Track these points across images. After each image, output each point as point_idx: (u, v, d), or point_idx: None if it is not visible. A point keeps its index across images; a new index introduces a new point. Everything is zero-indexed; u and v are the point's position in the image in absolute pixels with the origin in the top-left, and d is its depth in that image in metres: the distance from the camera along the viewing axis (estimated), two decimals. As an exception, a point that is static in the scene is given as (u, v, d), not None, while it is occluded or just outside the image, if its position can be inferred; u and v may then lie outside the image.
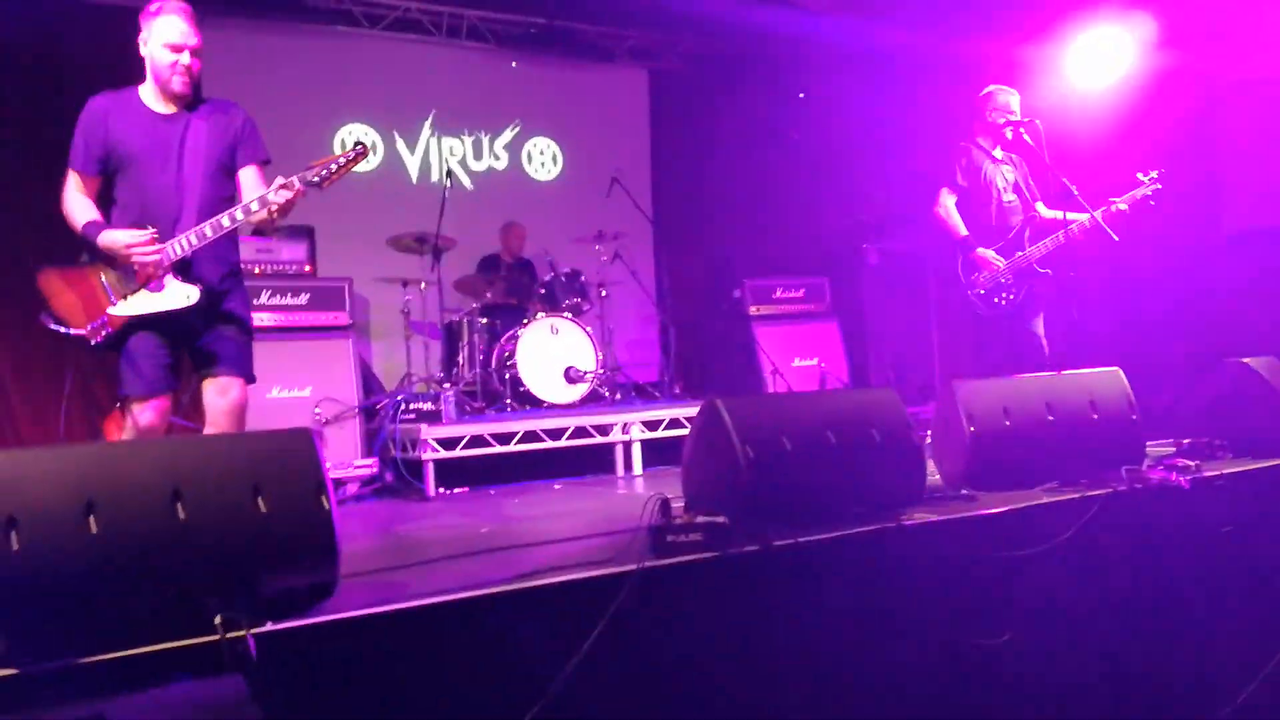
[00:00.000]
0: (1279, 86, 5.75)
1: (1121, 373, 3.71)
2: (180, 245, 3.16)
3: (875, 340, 7.46)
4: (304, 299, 5.56)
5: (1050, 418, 3.52)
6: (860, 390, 4.64)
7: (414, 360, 6.50)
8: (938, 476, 3.56)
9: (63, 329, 3.13)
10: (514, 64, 7.96)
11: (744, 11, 7.20)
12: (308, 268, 5.87)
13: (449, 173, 6.69)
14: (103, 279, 3.16)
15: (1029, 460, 3.46)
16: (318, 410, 5.40)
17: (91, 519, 1.98)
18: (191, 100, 3.30)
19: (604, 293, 6.83)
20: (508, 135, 8.05)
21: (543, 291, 6.59)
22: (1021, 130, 4.77)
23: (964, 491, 3.34)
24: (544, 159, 8.21)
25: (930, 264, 7.36)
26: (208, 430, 3.31)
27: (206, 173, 3.26)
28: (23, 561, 1.89)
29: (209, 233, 3.16)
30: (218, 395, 3.25)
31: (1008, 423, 3.48)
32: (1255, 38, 5.69)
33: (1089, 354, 5.10)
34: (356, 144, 3.33)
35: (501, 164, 8.05)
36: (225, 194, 3.32)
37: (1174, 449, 4.08)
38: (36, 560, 1.90)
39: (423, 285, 6.45)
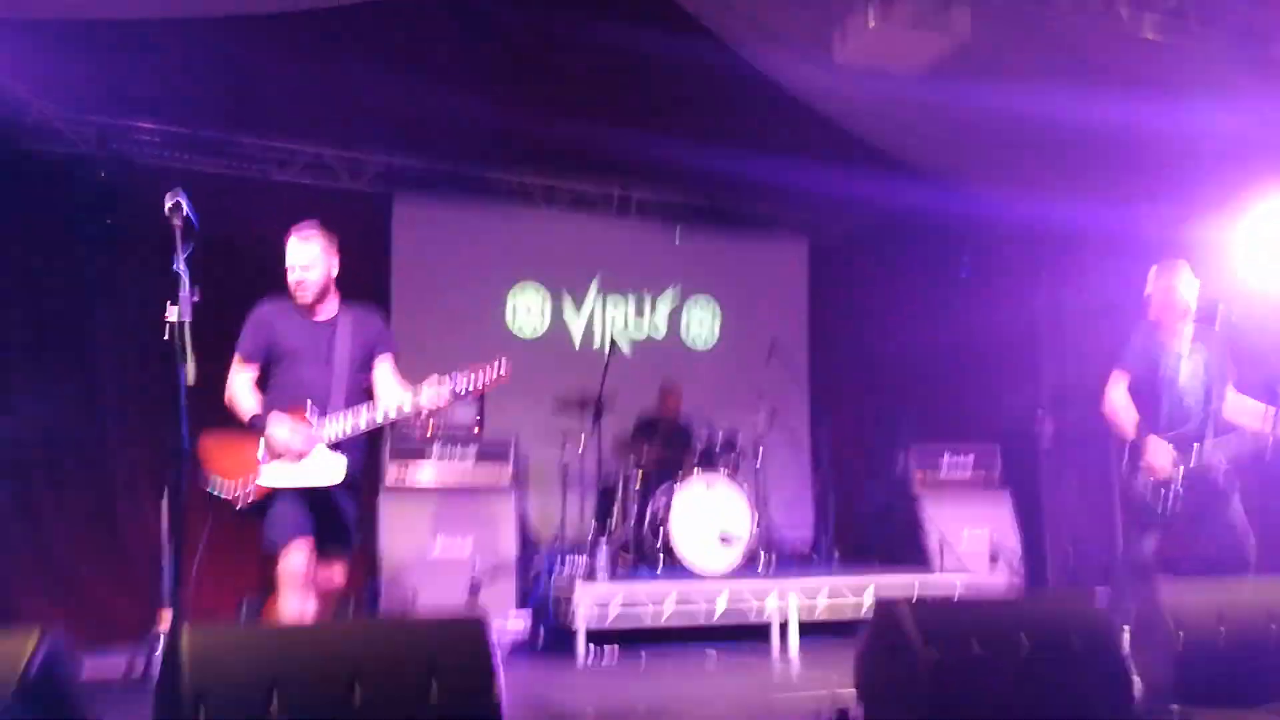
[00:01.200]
0: None
1: (1357, 581, 3.30)
2: (337, 425, 3.52)
3: (1051, 515, 6.98)
4: (472, 457, 5.73)
5: (1273, 627, 3.15)
6: (1056, 591, 4.32)
7: (569, 516, 6.53)
8: (1139, 683, 3.21)
9: (213, 490, 3.45)
10: (678, 231, 8.19)
11: (901, 188, 7.24)
12: (476, 429, 6.07)
13: (612, 339, 6.85)
14: (254, 446, 3.49)
15: (1248, 675, 3.10)
16: (475, 564, 5.46)
17: (274, 697, 2.00)
18: (339, 302, 3.76)
19: (760, 451, 6.72)
20: (669, 298, 8.22)
21: (700, 450, 6.55)
22: (1216, 312, 4.46)
23: (1174, 708, 3.00)
24: (702, 325, 8.31)
25: (1112, 439, 6.91)
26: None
27: (352, 368, 3.68)
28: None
29: (365, 417, 3.54)
30: (323, 571, 3.56)
31: (1222, 629, 3.13)
32: None
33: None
34: (503, 363, 3.63)
35: (660, 333, 8.19)
36: (365, 385, 3.74)
37: None
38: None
39: (582, 440, 6.52)
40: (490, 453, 5.81)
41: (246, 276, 6.05)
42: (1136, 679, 3.09)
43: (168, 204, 2.85)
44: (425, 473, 5.66)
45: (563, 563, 5.65)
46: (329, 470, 3.50)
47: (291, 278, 3.68)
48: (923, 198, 7.33)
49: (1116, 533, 6.87)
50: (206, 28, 5.68)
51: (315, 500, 3.52)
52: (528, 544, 6.13)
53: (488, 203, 7.63)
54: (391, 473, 5.60)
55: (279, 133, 6.86)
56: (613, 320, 8.01)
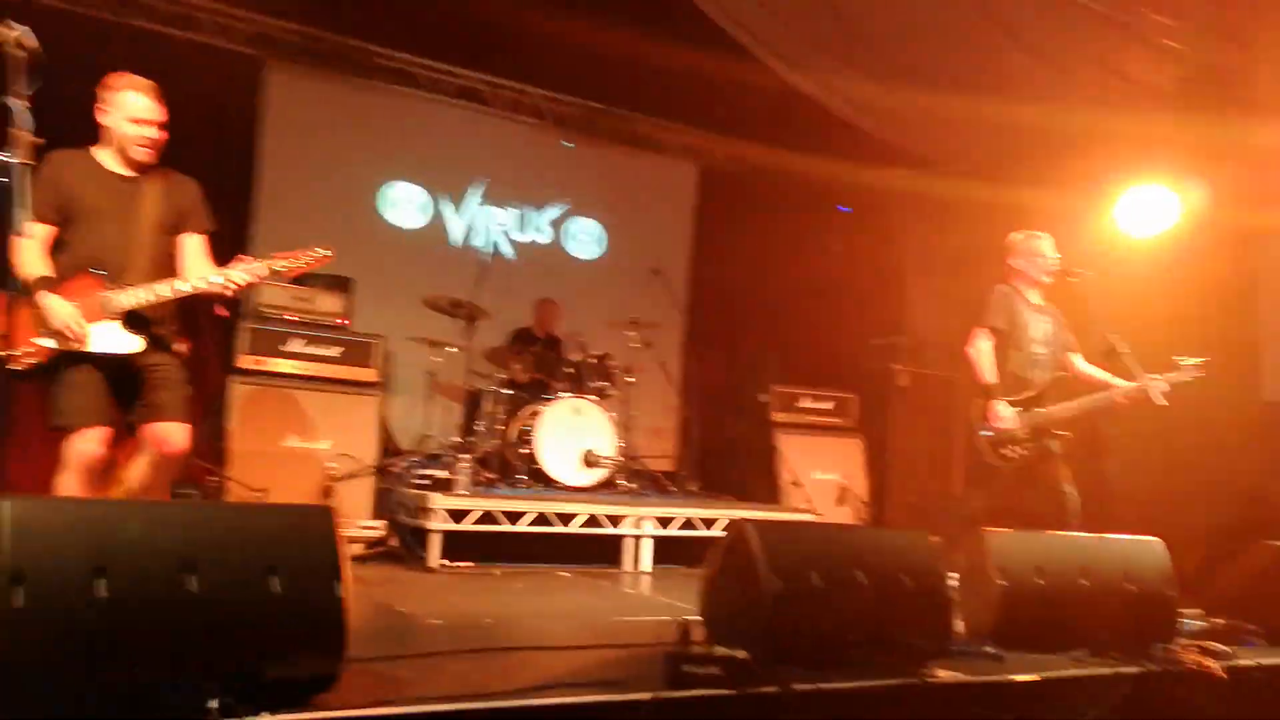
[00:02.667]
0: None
1: (1164, 545, 3.58)
2: (131, 298, 3.28)
3: (898, 463, 7.34)
4: (335, 351, 5.53)
5: (1084, 581, 3.40)
6: (895, 531, 4.54)
7: (434, 422, 6.44)
8: (960, 625, 3.42)
9: None
10: (568, 144, 8.05)
11: (794, 120, 7.29)
12: (342, 320, 5.84)
13: (495, 247, 6.70)
14: (38, 310, 3.19)
15: (1058, 623, 3.33)
16: (332, 465, 5.32)
17: (101, 582, 1.90)
18: (149, 166, 3.45)
19: (631, 380, 6.78)
20: (554, 212, 8.11)
21: (570, 371, 6.55)
22: (1070, 279, 4.72)
23: (989, 649, 3.21)
24: (587, 239, 8.26)
25: (960, 393, 7.28)
26: (132, 473, 3.36)
27: (155, 233, 3.41)
28: (25, 619, 1.81)
29: (164, 293, 3.31)
30: (158, 442, 3.33)
31: (1040, 581, 3.36)
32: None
33: (1117, 515, 4.99)
34: (326, 249, 3.47)
35: (545, 238, 8.09)
36: (169, 252, 3.47)
37: (1204, 623, 3.93)
38: (39, 619, 1.82)
39: (453, 349, 6.41)
40: (356, 349, 5.61)
41: (91, 129, 5.63)
42: (960, 620, 3.29)
43: (11, 33, 2.55)
44: (283, 363, 5.43)
45: (423, 470, 5.57)
46: (119, 341, 3.26)
47: (137, 131, 3.36)
48: (811, 131, 7.40)
49: (954, 483, 7.29)
50: None
51: (122, 368, 3.29)
52: (389, 449, 6.01)
53: (366, 79, 7.26)
54: (247, 358, 5.34)
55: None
56: (495, 223, 7.84)
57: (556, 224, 8.15)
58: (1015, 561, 3.36)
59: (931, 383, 7.52)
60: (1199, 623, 3.83)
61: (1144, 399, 4.51)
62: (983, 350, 4.70)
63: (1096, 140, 6.09)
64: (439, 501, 5.05)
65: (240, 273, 3.33)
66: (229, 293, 3.34)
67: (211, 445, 5.09)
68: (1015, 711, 2.81)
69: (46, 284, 3.20)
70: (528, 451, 5.96)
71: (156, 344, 3.38)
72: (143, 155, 3.40)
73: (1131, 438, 5.70)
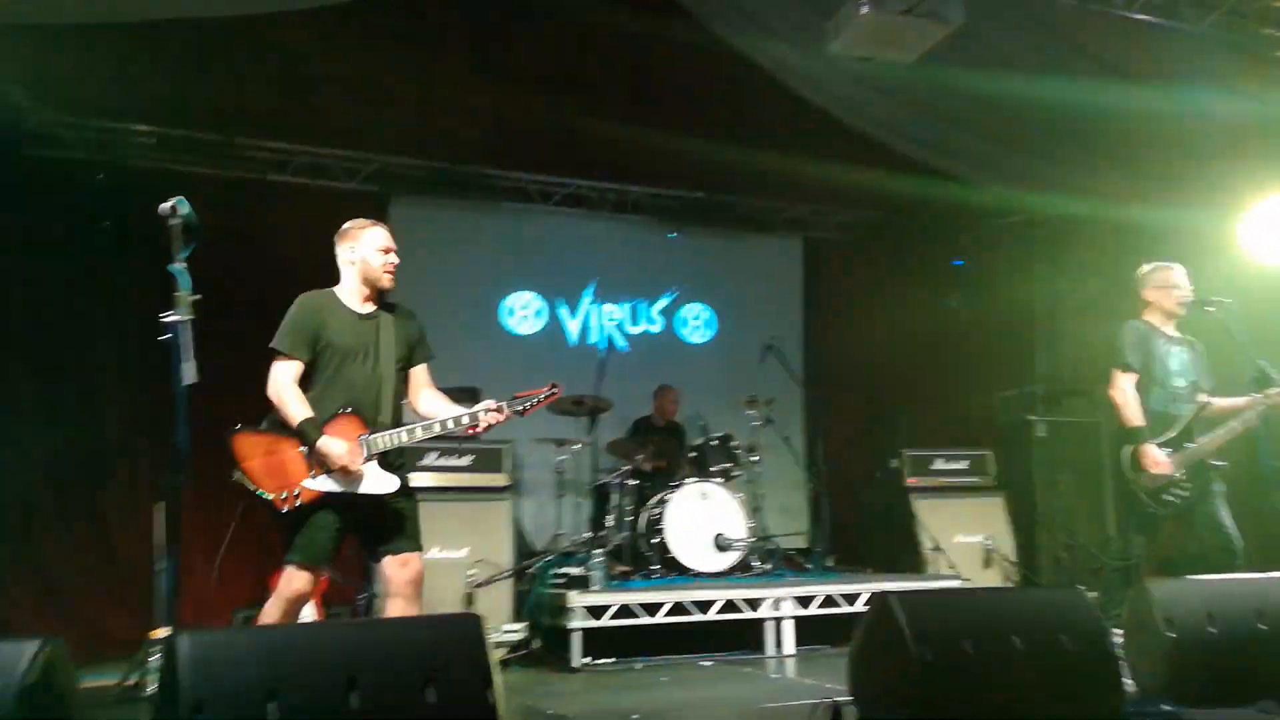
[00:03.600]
0: None
1: (1345, 579, 3.33)
2: (389, 440, 3.43)
3: (1045, 517, 7.02)
4: (468, 460, 5.74)
5: (1262, 626, 3.18)
6: (1048, 589, 4.34)
7: (564, 519, 6.54)
8: (1130, 683, 3.23)
9: (253, 490, 3.35)
10: (672, 234, 8.25)
11: (896, 180, 7.28)
12: (472, 430, 6.05)
13: (609, 338, 6.87)
14: (300, 450, 3.37)
15: (1238, 673, 3.12)
16: (472, 572, 5.47)
17: (273, 704, 2.02)
18: (382, 302, 3.67)
19: (755, 458, 6.75)
20: (664, 301, 8.28)
21: (693, 455, 6.58)
22: (1210, 309, 4.51)
23: (1166, 707, 3.02)
24: (698, 324, 8.37)
25: (1104, 438, 6.96)
26: (390, 599, 3.48)
27: (397, 368, 3.58)
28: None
29: (420, 434, 3.48)
30: (400, 569, 3.44)
31: (1212, 629, 3.16)
32: None
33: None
34: (552, 385, 3.62)
35: (657, 328, 8.25)
36: (403, 387, 3.64)
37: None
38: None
39: (578, 446, 6.55)
40: (486, 456, 5.81)
41: (246, 278, 6.11)
42: (1128, 679, 3.11)
43: (164, 204, 2.85)
44: (420, 477, 5.66)
45: (559, 569, 5.66)
46: (381, 482, 3.42)
47: (385, 260, 3.59)
48: (916, 191, 7.38)
49: (1108, 534, 6.91)
50: (201, 29, 5.73)
51: (363, 507, 3.43)
52: (523, 549, 6.14)
53: (483, 201, 7.69)
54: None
55: (275, 134, 6.90)
56: (609, 319, 8.05)
57: (667, 312, 8.30)
58: (1184, 611, 3.19)
59: (1071, 430, 7.21)
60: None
61: None
62: (1126, 391, 4.51)
63: (1223, 164, 5.87)
64: (577, 599, 5.11)
65: (488, 413, 3.47)
66: (474, 432, 3.51)
67: (359, 562, 5.31)
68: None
69: (316, 426, 3.35)
70: (659, 541, 5.97)
71: (402, 480, 3.55)
72: (389, 282, 3.60)
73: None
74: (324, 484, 3.35)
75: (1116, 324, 4.73)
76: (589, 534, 6.33)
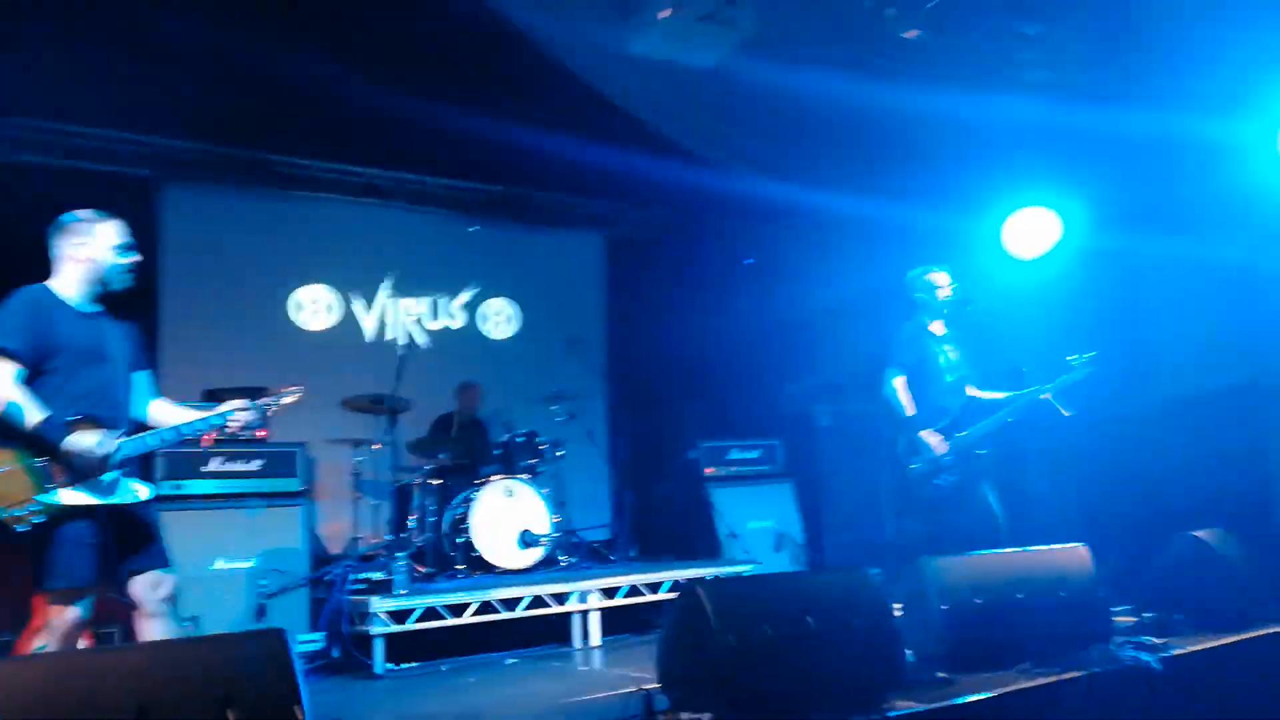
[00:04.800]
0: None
1: (1087, 549, 3.76)
2: (137, 445, 3.20)
3: (830, 501, 7.48)
4: (256, 465, 5.42)
5: (1019, 595, 3.54)
6: (837, 570, 4.63)
7: (362, 523, 6.32)
8: (910, 653, 3.51)
9: None
10: (473, 228, 8.14)
11: (693, 178, 7.53)
12: (260, 432, 5.73)
13: (409, 335, 6.69)
14: (26, 462, 3.01)
15: (1002, 639, 3.46)
16: (263, 582, 5.19)
17: (48, 742, 1.84)
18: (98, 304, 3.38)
19: (560, 454, 6.79)
20: (465, 296, 8.15)
21: (498, 453, 6.54)
22: (967, 308, 4.96)
23: (940, 675, 3.30)
24: (500, 318, 8.30)
25: (882, 426, 7.50)
26: (148, 621, 3.25)
27: (127, 370, 3.35)
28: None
29: (167, 438, 3.27)
30: (152, 589, 3.23)
31: (978, 601, 3.49)
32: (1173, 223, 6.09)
33: (1043, 525, 5.20)
34: (297, 385, 3.58)
35: (458, 323, 8.11)
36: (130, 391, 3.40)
37: (1134, 619, 4.12)
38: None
39: (376, 446, 6.34)
40: (277, 459, 5.51)
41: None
42: (908, 649, 3.38)
43: None
44: (203, 484, 5.29)
45: (358, 575, 5.46)
46: (134, 490, 3.17)
47: (124, 258, 3.30)
48: (710, 189, 7.66)
49: (885, 516, 7.45)
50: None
51: (114, 520, 3.15)
52: (320, 555, 5.88)
53: (269, 189, 7.27)
54: (164, 483, 5.19)
55: (26, 111, 6.22)
56: (407, 314, 7.84)
57: (470, 307, 8.18)
58: (955, 585, 3.48)
59: (853, 419, 7.72)
60: (1131, 619, 4.01)
61: (1047, 407, 4.73)
62: (897, 388, 4.90)
63: (985, 170, 6.46)
64: (378, 604, 4.96)
65: (234, 417, 3.33)
66: (229, 432, 3.36)
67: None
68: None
69: (60, 428, 3.02)
70: (464, 540, 5.90)
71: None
72: (125, 282, 3.33)
73: (1046, 448, 5.95)
74: (72, 495, 3.02)
75: (892, 320, 5.13)
76: (389, 537, 6.15)
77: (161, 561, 3.28)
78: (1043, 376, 4.78)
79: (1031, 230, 6.37)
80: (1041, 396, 4.71)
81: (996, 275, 6.40)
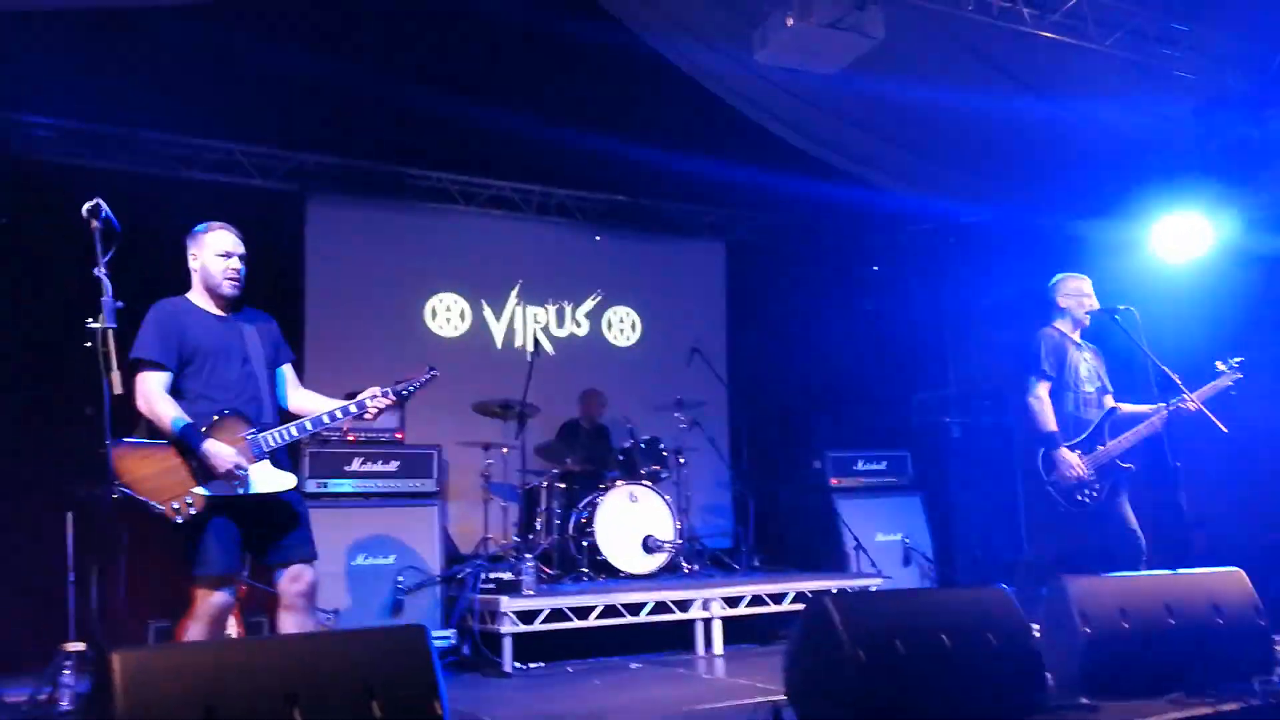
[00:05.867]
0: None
1: (1244, 574, 3.53)
2: (277, 437, 3.36)
3: (960, 515, 7.24)
4: (394, 465, 5.65)
5: (1171, 620, 3.35)
6: (973, 589, 4.47)
7: (491, 523, 6.49)
8: (1049, 679, 3.37)
9: (143, 502, 3.17)
10: (597, 237, 8.27)
11: (817, 185, 7.44)
12: (399, 435, 5.99)
13: (535, 341, 6.84)
14: (184, 459, 3.24)
15: (1149, 666, 3.29)
16: (400, 579, 5.39)
17: (212, 725, 1.96)
18: (238, 306, 3.59)
19: (682, 460, 6.81)
20: (589, 304, 8.27)
21: (621, 458, 6.61)
22: (1116, 317, 4.72)
23: (1083, 700, 3.16)
24: (623, 326, 8.39)
25: (1016, 439, 7.23)
26: (282, 612, 3.41)
27: (265, 368, 3.52)
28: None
29: (310, 427, 3.42)
30: (292, 581, 3.39)
31: (1125, 625, 3.32)
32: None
33: (1196, 548, 4.89)
34: (431, 368, 3.68)
35: (582, 331, 8.23)
36: (273, 386, 3.58)
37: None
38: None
39: (505, 450, 6.51)
40: (413, 461, 5.73)
41: (151, 282, 5.86)
42: (1047, 673, 3.24)
43: (86, 207, 2.74)
44: (345, 483, 5.55)
45: (488, 574, 5.62)
46: (276, 480, 3.34)
47: (225, 265, 3.46)
48: (835, 197, 7.56)
49: (1019, 531, 7.17)
50: (105, 19, 5.49)
51: (260, 510, 3.34)
52: (451, 555, 6.07)
53: (405, 202, 7.56)
54: (310, 483, 5.47)
55: (184, 128, 6.67)
56: (535, 321, 8.01)
57: (593, 315, 8.30)
58: (1098, 607, 3.33)
59: (985, 432, 7.46)
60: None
61: (1203, 422, 4.45)
62: (1042, 398, 4.69)
63: (1123, 176, 6.16)
64: (508, 604, 5.08)
65: (373, 400, 3.46)
66: (366, 419, 3.50)
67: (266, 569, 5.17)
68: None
69: (197, 432, 3.24)
70: (588, 543, 5.99)
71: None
72: (229, 289, 3.48)
73: (1201, 465, 5.61)
74: (217, 488, 3.24)
75: (1026, 330, 4.93)
76: (518, 538, 6.30)
77: (304, 555, 3.41)
78: (1193, 388, 4.52)
79: (1181, 235, 6.03)
80: (1187, 405, 4.45)
81: (1143, 283, 6.08)
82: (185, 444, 3.22)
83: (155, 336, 3.33)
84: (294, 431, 3.39)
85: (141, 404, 3.31)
